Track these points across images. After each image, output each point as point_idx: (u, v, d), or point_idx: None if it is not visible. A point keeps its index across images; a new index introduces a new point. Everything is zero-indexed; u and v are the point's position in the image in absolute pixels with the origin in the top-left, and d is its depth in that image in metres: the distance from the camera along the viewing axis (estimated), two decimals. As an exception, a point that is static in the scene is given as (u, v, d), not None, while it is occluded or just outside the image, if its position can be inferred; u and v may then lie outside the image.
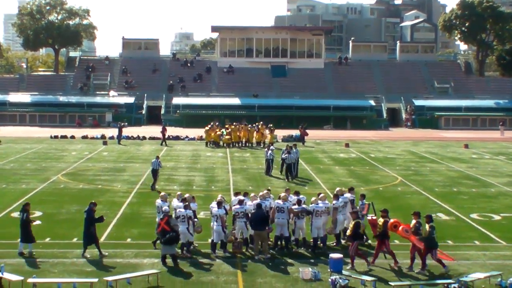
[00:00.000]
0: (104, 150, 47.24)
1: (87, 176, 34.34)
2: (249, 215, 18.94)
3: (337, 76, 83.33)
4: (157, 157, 30.81)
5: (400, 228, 17.38)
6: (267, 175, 34.75)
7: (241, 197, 19.93)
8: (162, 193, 21.06)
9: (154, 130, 63.97)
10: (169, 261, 17.67)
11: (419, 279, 16.53)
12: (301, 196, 20.39)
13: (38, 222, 19.73)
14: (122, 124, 57.31)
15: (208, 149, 48.75)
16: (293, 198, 20.05)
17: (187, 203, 19.03)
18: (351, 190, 20.95)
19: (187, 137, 56.80)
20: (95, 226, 18.47)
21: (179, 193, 20.19)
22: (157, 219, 19.11)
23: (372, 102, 76.94)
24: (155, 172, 30.08)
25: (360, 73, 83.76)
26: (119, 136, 53.14)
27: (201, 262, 17.86)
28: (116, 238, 20.37)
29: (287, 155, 33.77)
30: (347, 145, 51.85)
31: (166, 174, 35.13)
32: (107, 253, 18.31)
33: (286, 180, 33.17)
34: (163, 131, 52.33)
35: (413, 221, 17.55)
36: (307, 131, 55.38)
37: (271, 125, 52.82)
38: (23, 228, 18.49)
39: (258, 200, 19.59)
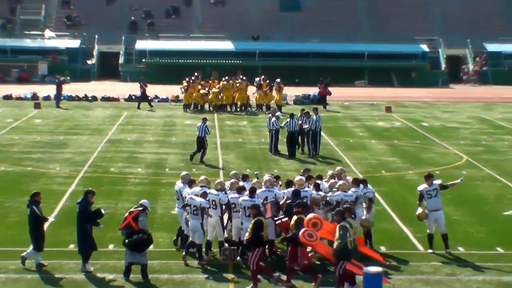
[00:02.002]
0: (37, 116, 47.12)
1: (11, 153, 34.29)
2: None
3: (374, 10, 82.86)
4: (204, 120, 32.58)
5: (301, 232, 17.18)
6: (272, 152, 34.70)
7: (240, 183, 20.07)
8: (183, 173, 21.20)
9: (109, 87, 63.62)
10: (133, 276, 17.59)
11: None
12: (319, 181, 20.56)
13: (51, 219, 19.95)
14: (63, 79, 57.05)
15: (187, 115, 48.63)
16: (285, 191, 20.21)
17: (204, 190, 19.34)
18: (428, 178, 20.68)
19: (156, 97, 56.60)
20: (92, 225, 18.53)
21: (219, 180, 20.42)
22: (175, 209, 19.61)
23: (425, 47, 76.60)
24: (201, 141, 32.15)
25: (408, 5, 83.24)
26: (58, 96, 53.00)
27: (178, 278, 17.83)
28: (53, 243, 20.20)
29: (288, 120, 34.18)
30: (388, 109, 51.71)
31: (126, 151, 35.11)
32: (92, 269, 18.31)
33: (290, 156, 33.70)
34: (143, 88, 52.15)
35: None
36: (331, 89, 55.13)
37: (279, 81, 52.60)
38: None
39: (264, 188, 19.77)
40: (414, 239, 21.15)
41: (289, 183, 20.35)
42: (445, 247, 20.02)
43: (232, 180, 20.34)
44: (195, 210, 18.85)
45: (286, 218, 18.32)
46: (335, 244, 16.79)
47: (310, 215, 17.75)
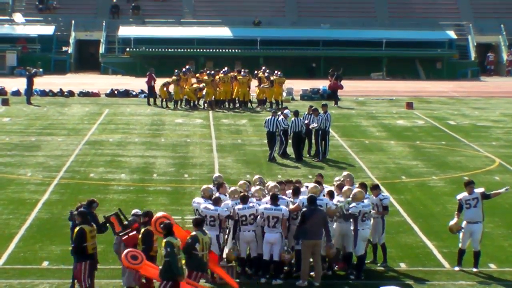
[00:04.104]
0: (4, 114, 47.13)
1: (-24, 157, 34.33)
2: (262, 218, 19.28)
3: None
4: (274, 114, 33.93)
5: (124, 253, 16.97)
6: (279, 155, 34.72)
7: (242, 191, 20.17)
8: (215, 175, 21.47)
9: (88, 81, 63.52)
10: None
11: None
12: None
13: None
14: (34, 71, 56.83)
15: (178, 113, 48.66)
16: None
17: (217, 196, 19.44)
18: (468, 185, 20.70)
19: (142, 92, 56.61)
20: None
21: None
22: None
23: (452, 34, 76.53)
24: (271, 137, 33.40)
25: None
26: (29, 91, 52.95)
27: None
28: (24, 260, 20.37)
29: (294, 119, 34.22)
30: (409, 105, 51.72)
31: (108, 154, 35.17)
32: None
33: (297, 159, 33.86)
34: (151, 81, 51.83)
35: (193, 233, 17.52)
36: (343, 82, 55.06)
37: (279, 73, 52.41)
38: None
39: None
40: (439, 255, 21.21)
41: (296, 191, 20.21)
42: (474, 265, 20.03)
43: (258, 187, 20.25)
44: (212, 221, 18.93)
45: (134, 232, 17.98)
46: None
47: (159, 214, 17.76)
